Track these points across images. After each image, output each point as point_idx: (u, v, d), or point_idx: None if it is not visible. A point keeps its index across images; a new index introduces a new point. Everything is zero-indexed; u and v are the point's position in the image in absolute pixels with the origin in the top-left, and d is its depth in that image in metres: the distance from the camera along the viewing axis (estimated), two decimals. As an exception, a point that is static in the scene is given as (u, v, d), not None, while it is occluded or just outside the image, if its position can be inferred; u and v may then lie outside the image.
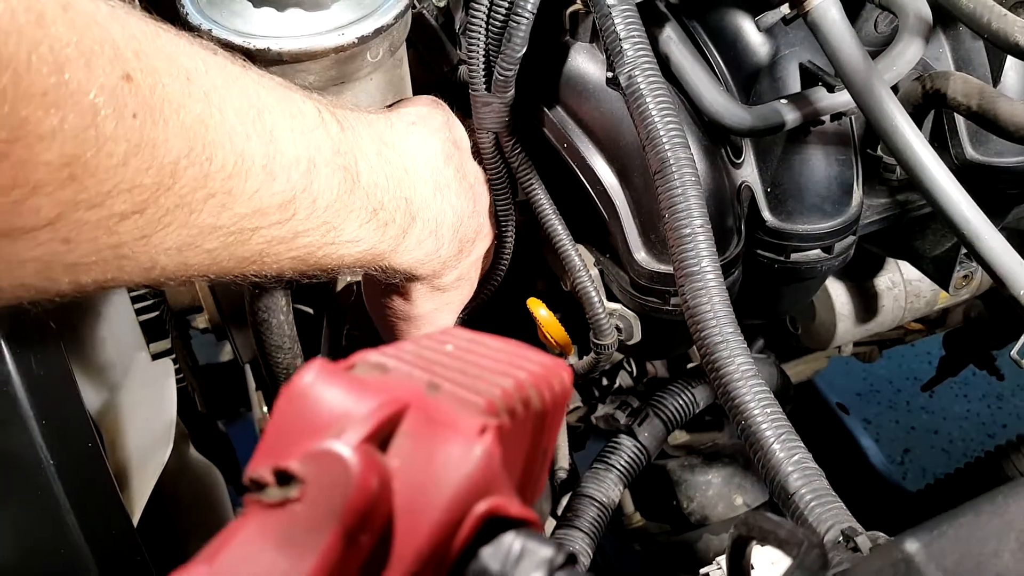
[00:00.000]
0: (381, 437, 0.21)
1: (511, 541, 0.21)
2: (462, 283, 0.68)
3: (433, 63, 0.74)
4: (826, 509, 0.48)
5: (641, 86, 0.56)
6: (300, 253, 0.52)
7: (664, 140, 0.55)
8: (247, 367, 1.16)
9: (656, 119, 0.55)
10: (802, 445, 0.51)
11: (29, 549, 0.56)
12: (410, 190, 0.59)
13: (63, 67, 0.34)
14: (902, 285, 0.96)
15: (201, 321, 0.97)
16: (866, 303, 0.96)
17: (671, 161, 0.54)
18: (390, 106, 0.66)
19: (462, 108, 0.69)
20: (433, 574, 0.20)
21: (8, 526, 0.56)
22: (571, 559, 0.21)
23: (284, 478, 0.20)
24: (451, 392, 0.23)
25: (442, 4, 0.73)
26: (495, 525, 0.22)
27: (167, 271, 0.45)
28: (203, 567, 0.19)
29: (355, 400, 0.21)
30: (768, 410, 0.51)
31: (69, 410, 0.60)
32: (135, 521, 0.67)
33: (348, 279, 0.76)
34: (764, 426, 0.51)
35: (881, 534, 0.46)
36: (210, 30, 0.58)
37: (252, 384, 1.22)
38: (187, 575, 0.19)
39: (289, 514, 0.19)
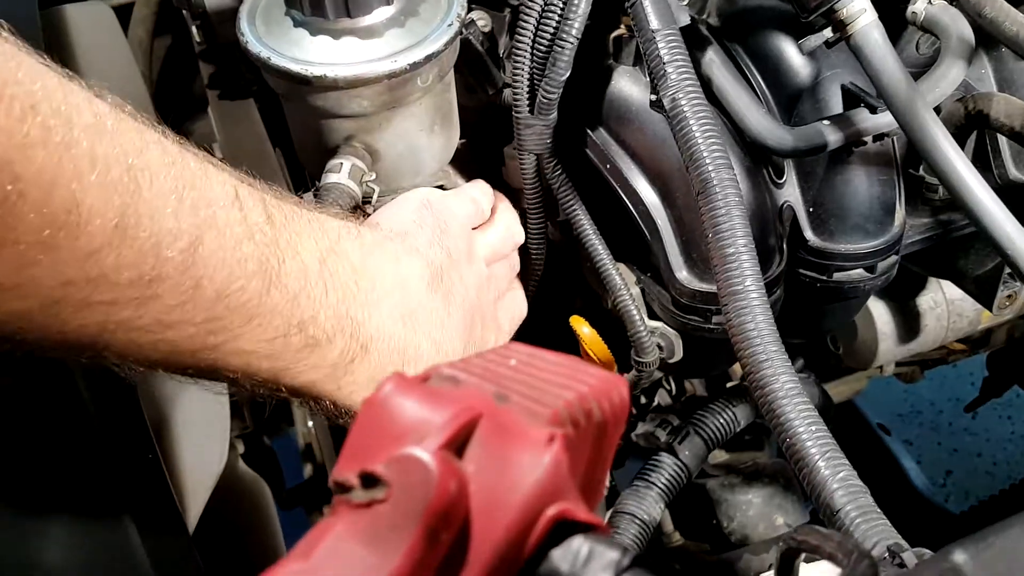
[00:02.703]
0: (457, 444, 0.23)
1: (580, 544, 0.23)
2: None
3: (478, 87, 0.76)
4: (871, 526, 0.49)
5: (685, 109, 0.57)
6: (170, 348, 0.42)
7: (708, 161, 0.56)
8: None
9: (700, 141, 0.56)
10: (847, 462, 0.52)
11: (90, 555, 0.58)
12: (361, 311, 0.49)
13: None
14: (944, 305, 0.95)
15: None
16: (908, 323, 0.96)
17: (715, 182, 0.56)
18: (375, 211, 0.60)
19: (506, 130, 0.71)
20: (507, 573, 0.22)
21: (70, 532, 0.58)
22: (638, 560, 0.22)
23: (370, 481, 0.21)
24: (519, 403, 0.24)
25: (487, 29, 0.75)
26: (564, 528, 0.23)
27: None
28: (298, 563, 0.21)
29: (431, 410, 0.23)
30: (813, 427, 0.52)
31: (130, 422, 0.62)
32: (190, 531, 0.69)
33: None
34: (809, 444, 0.51)
35: (927, 551, 0.46)
36: (268, 58, 0.60)
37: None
38: (284, 570, 0.20)
39: (375, 514, 0.21)
